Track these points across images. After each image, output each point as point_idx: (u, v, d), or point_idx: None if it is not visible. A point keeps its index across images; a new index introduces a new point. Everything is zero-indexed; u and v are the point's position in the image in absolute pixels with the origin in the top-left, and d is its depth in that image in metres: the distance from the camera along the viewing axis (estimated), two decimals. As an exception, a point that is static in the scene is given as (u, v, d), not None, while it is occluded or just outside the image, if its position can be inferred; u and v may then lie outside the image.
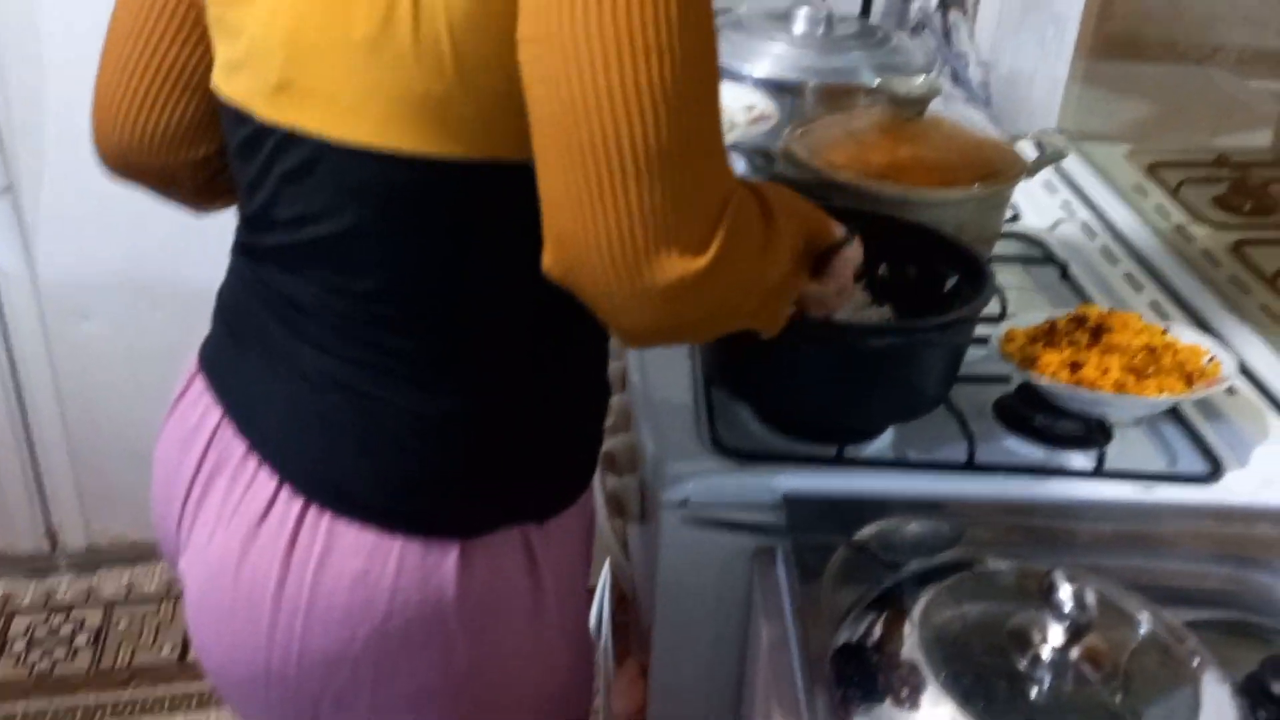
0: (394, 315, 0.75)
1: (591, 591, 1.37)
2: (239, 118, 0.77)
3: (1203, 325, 1.16)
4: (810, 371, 0.92)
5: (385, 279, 0.75)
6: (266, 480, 0.79)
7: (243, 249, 0.85)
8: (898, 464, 0.96)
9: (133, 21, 0.85)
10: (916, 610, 0.74)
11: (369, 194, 0.72)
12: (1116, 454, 0.99)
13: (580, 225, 0.65)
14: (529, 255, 0.70)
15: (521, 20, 0.65)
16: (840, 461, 0.95)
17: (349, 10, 0.67)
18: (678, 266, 0.65)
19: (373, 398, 0.77)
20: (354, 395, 0.77)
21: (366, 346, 0.76)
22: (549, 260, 0.68)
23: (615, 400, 1.09)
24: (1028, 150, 1.27)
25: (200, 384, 0.87)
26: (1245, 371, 1.09)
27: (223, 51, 0.79)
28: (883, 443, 1.00)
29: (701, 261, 0.65)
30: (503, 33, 0.66)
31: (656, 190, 0.63)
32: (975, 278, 1.01)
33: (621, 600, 1.34)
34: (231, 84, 0.78)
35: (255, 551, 0.78)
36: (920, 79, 1.22)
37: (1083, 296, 1.23)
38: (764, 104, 1.33)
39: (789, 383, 0.94)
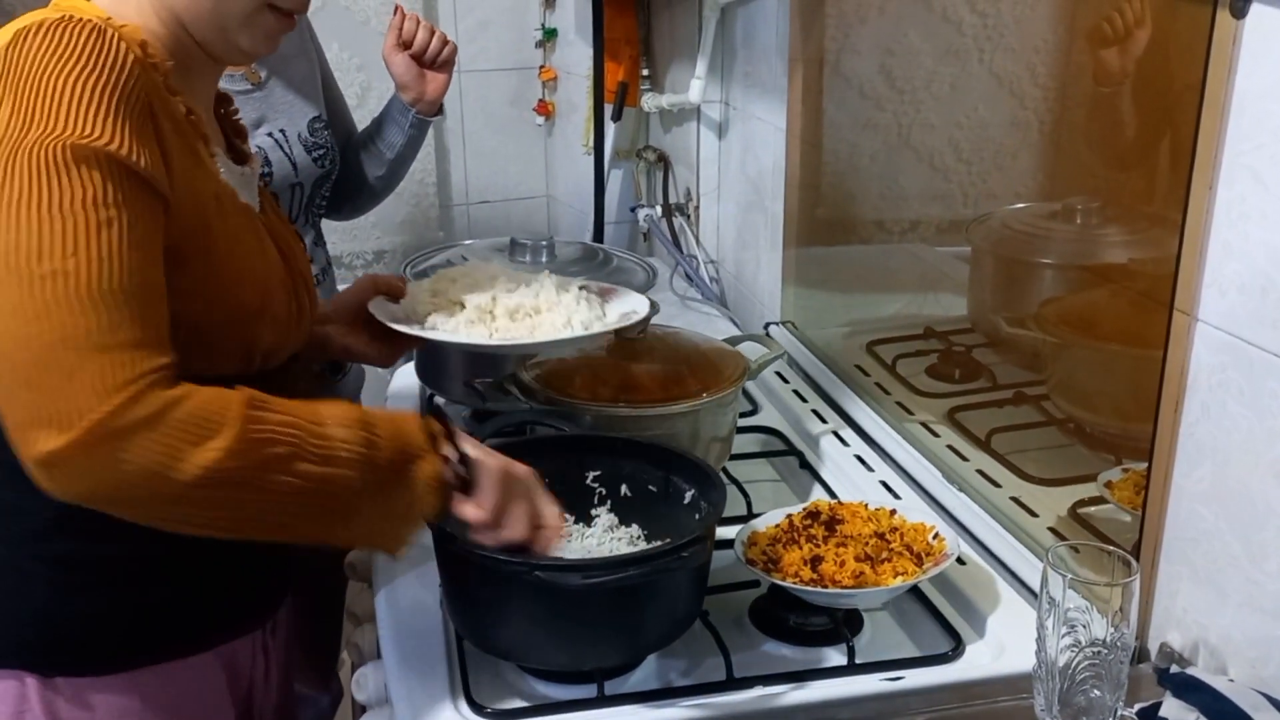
0: None
1: None
2: None
3: (929, 497, 1.23)
4: (556, 615, 0.91)
5: None
6: None
7: None
8: (659, 693, 0.95)
9: None
10: None
11: None
12: (867, 643, 1.03)
13: None
14: None
15: None
16: (602, 701, 0.94)
17: None
18: (42, 441, 0.75)
19: None
20: None
21: None
22: None
23: (368, 673, 1.05)
24: (758, 348, 1.34)
25: None
26: (973, 538, 1.16)
27: None
28: (645, 671, 0.99)
29: (65, 436, 0.74)
30: None
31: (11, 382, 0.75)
32: (709, 488, 1.04)
33: None
34: None
35: None
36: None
37: (821, 483, 1.29)
38: None
39: (536, 630, 0.93)
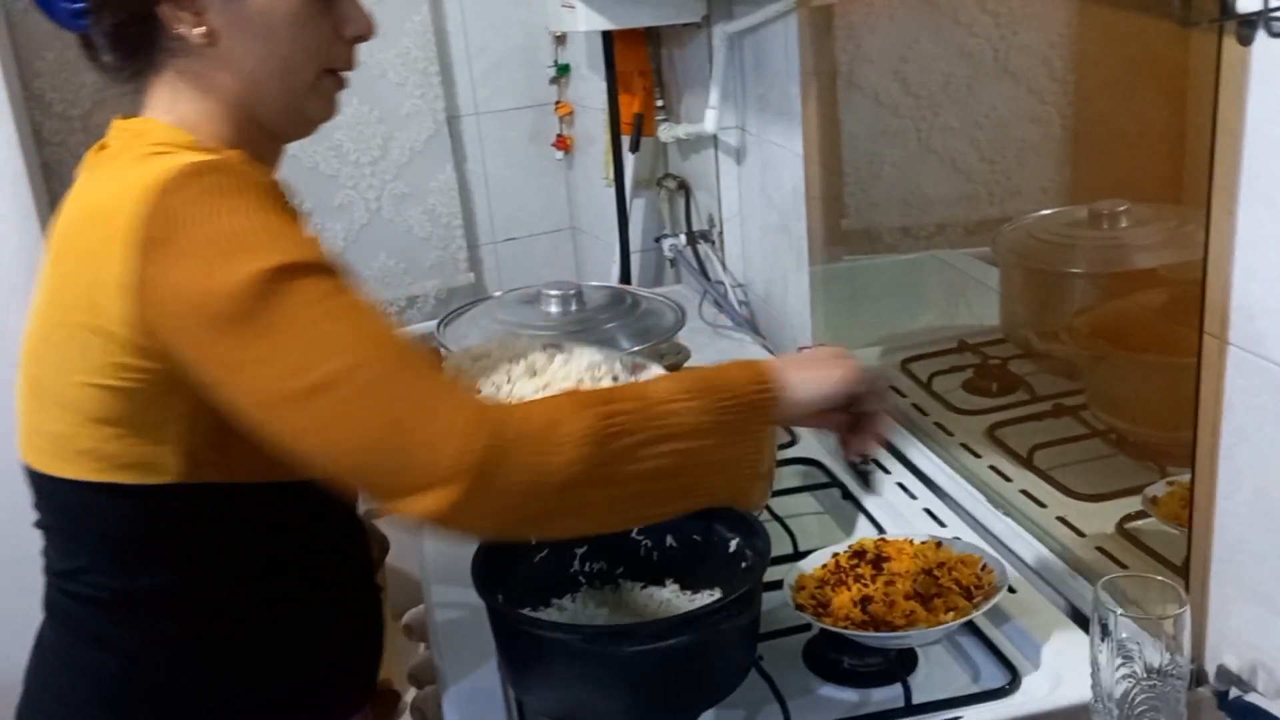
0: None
1: None
2: None
3: (975, 522, 1.23)
4: (609, 681, 0.93)
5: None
6: None
7: None
8: (719, 748, 0.96)
9: None
10: None
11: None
12: (923, 680, 1.03)
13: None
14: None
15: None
16: (662, 761, 0.95)
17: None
18: (418, 504, 0.77)
19: None
20: None
21: None
22: None
23: (434, 741, 1.07)
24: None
25: None
26: (1022, 562, 1.16)
27: None
28: (703, 724, 1.00)
29: (445, 493, 0.76)
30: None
31: (364, 471, 0.79)
32: (752, 536, 1.05)
33: None
34: None
35: None
36: (668, 344, 1.29)
37: (865, 514, 1.29)
38: None
39: (590, 694, 0.94)
